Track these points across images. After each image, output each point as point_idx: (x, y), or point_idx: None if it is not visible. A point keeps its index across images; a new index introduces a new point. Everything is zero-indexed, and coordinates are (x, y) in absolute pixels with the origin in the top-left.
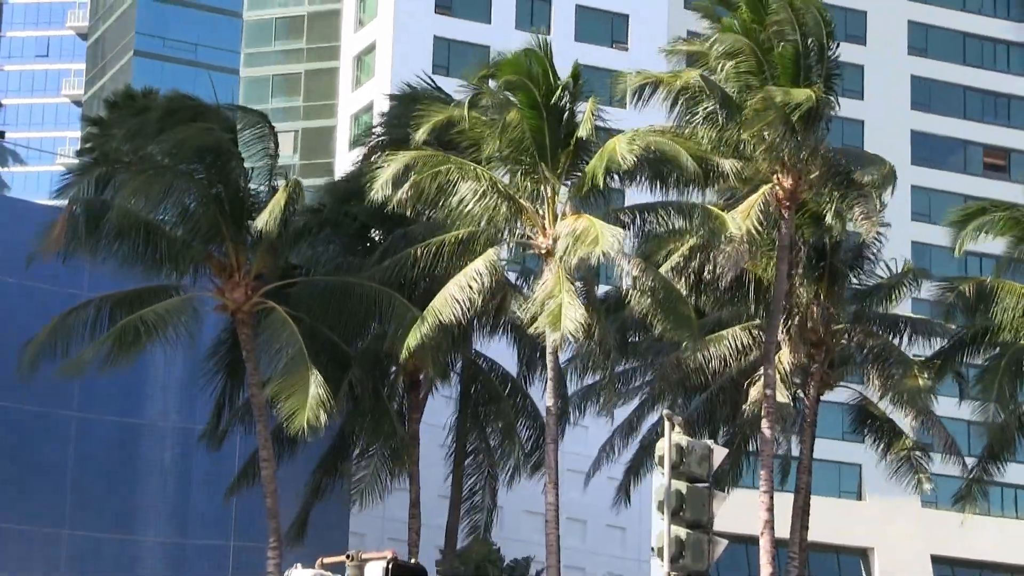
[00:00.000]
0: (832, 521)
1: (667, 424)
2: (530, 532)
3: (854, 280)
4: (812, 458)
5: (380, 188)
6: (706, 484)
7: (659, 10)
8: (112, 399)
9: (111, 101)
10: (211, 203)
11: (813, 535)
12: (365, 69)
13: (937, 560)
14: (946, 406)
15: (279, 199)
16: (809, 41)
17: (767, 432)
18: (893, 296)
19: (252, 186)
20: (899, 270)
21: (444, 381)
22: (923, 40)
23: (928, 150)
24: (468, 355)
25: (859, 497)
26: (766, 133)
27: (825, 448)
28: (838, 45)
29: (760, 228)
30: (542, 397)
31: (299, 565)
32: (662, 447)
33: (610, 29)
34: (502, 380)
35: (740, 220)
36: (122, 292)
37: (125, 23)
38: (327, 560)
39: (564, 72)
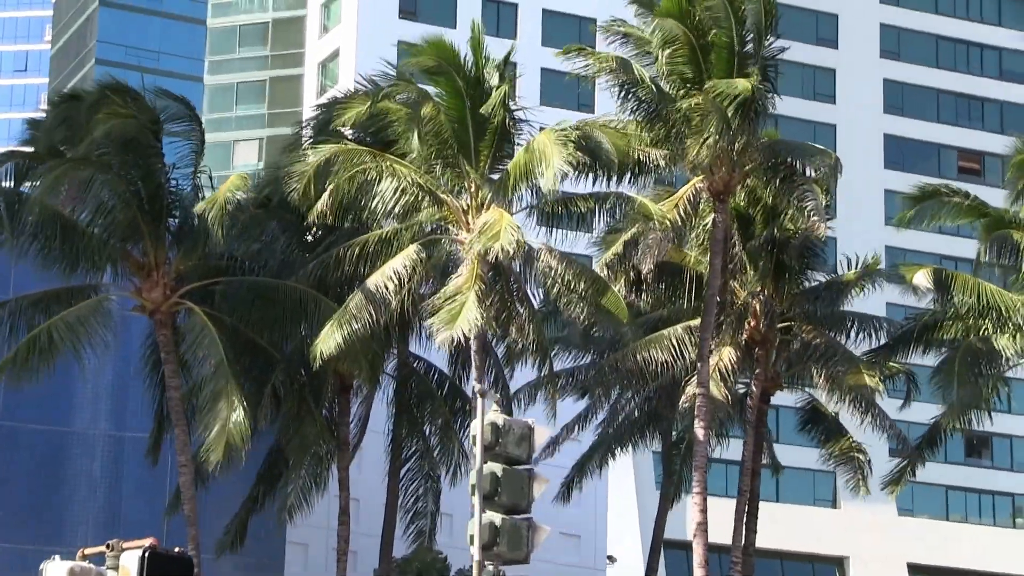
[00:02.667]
0: (807, 529)
1: (480, 401)
2: (459, 536)
3: (808, 277)
4: (760, 462)
5: (301, 181)
6: (526, 466)
7: (625, 15)
8: (38, 406)
9: (53, 99)
10: (130, 199)
11: (788, 543)
12: (330, 75)
13: (914, 568)
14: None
15: (220, 194)
16: (745, 29)
17: (700, 433)
18: (850, 293)
19: (174, 181)
20: (857, 266)
21: (374, 384)
22: (895, 43)
23: (902, 154)
24: (404, 356)
25: (834, 505)
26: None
27: (799, 456)
28: (777, 36)
29: (686, 217)
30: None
31: (56, 557)
32: (476, 427)
33: (577, 33)
34: (439, 381)
35: (666, 209)
36: (38, 292)
37: (87, 32)
38: (88, 551)
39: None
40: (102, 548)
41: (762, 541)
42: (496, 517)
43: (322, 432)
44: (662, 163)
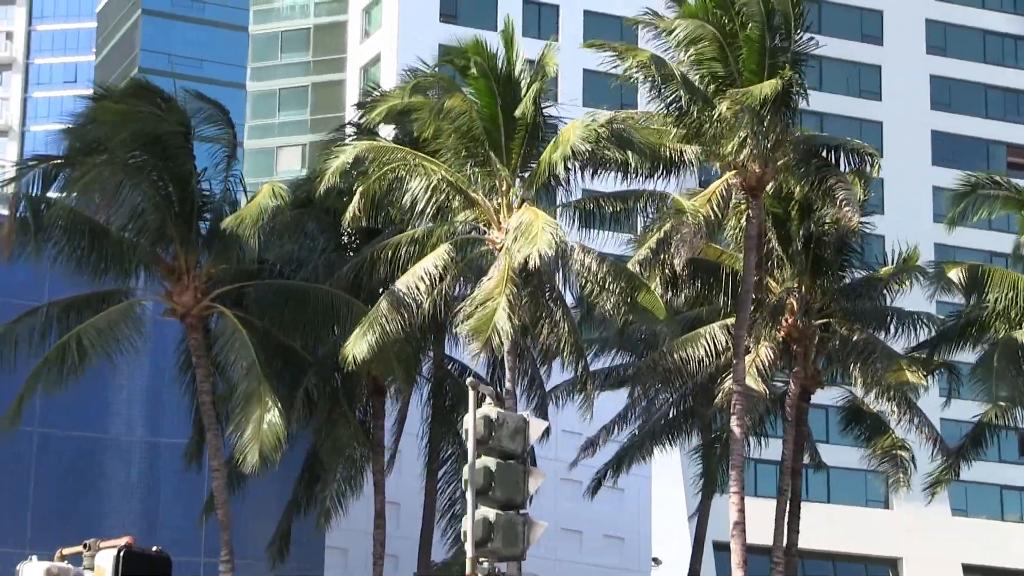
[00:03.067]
0: (859, 531)
1: (472, 394)
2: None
3: (848, 274)
4: (801, 461)
5: (328, 178)
6: (521, 461)
7: (667, 14)
8: (75, 413)
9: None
10: (160, 202)
11: (840, 545)
12: (371, 80)
13: (968, 569)
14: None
15: (250, 209)
16: (775, 22)
17: (736, 430)
18: (889, 289)
19: (206, 184)
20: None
21: (409, 387)
22: (942, 39)
23: (950, 150)
24: (439, 358)
25: (887, 506)
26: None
27: (849, 456)
28: (816, 32)
29: (718, 212)
30: (519, 399)
31: (34, 557)
32: (468, 420)
33: (619, 34)
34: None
35: (699, 204)
36: (69, 298)
37: (131, 41)
38: (66, 551)
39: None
40: (79, 548)
41: (814, 543)
42: (490, 513)
43: (356, 435)
44: (694, 160)
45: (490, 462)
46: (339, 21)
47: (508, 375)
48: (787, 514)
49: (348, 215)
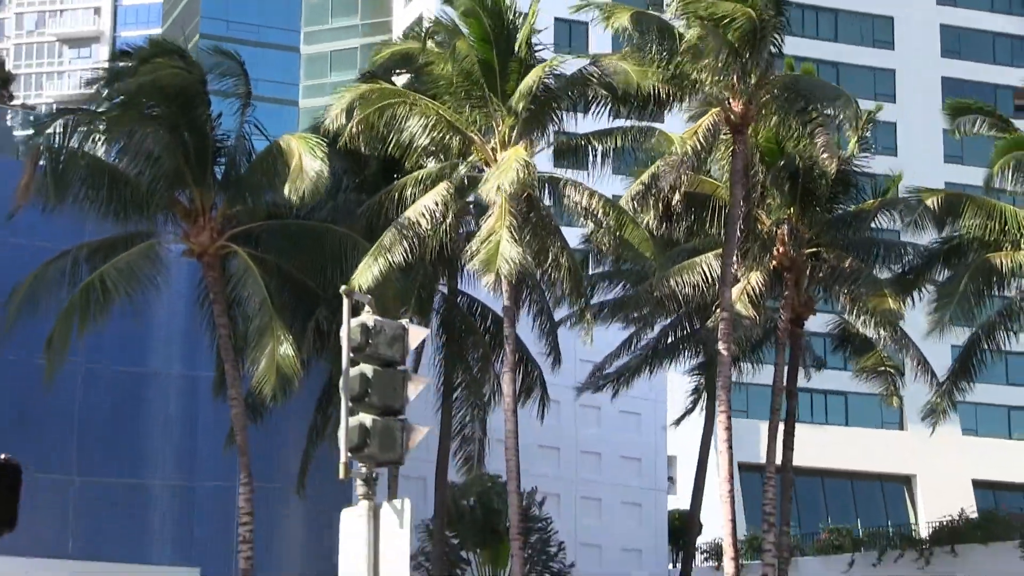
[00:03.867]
0: (876, 450)
1: (346, 302)
2: (525, 462)
3: (842, 206)
4: (796, 383)
5: (333, 119)
6: (401, 367)
7: None
8: (117, 349)
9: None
10: (175, 148)
11: (858, 464)
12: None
13: (978, 484)
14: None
15: (309, 164)
16: None
17: (724, 352)
18: (876, 219)
19: (220, 131)
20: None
21: (428, 318)
22: None
23: (959, 95)
24: (453, 291)
25: (901, 427)
26: (711, 58)
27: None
28: None
29: (704, 145)
30: (531, 330)
31: None
32: (343, 328)
33: None
34: (482, 315)
35: (685, 139)
36: (97, 241)
37: (192, 10)
38: None
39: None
40: None
41: (833, 462)
42: (367, 418)
43: None
44: (677, 97)
45: (367, 369)
46: None
47: (507, 301)
48: (782, 433)
49: (344, 135)
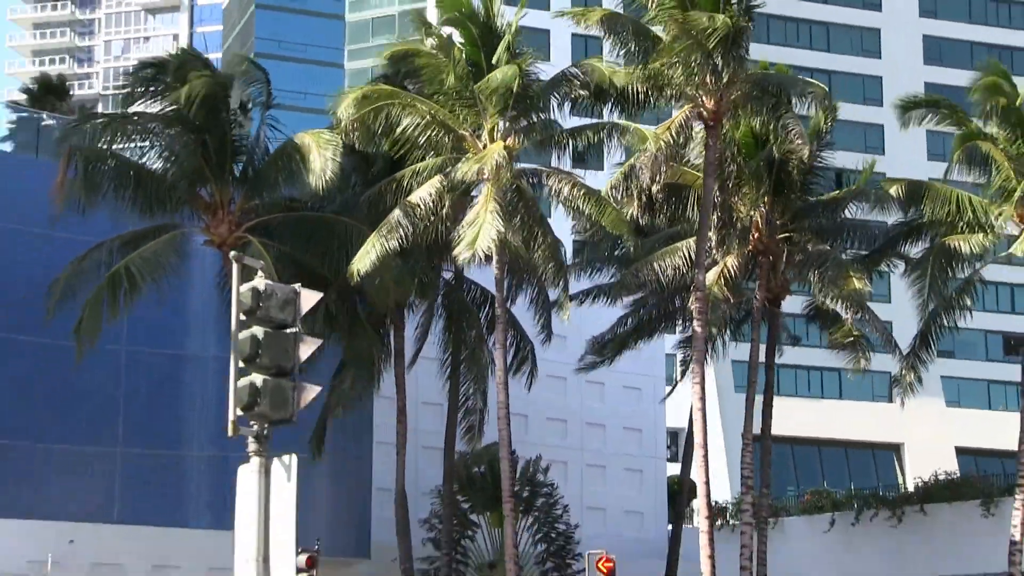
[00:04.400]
0: (867, 421)
1: (235, 267)
2: (536, 433)
3: (813, 193)
4: (774, 359)
5: (343, 111)
6: (292, 329)
7: None
8: (157, 334)
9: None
10: (196, 147)
11: (851, 434)
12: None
13: (960, 451)
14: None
15: (322, 157)
16: None
17: (699, 329)
18: (848, 207)
19: (238, 131)
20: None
21: (432, 300)
22: (932, 6)
23: (938, 51)
24: (460, 275)
25: (890, 400)
26: (683, 59)
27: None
28: None
29: (677, 138)
30: (528, 309)
31: None
32: (233, 292)
33: None
34: (483, 299)
35: (659, 134)
36: (128, 233)
37: (248, 31)
38: None
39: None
40: None
41: (829, 432)
42: (258, 378)
43: (373, 343)
44: (656, 96)
45: (258, 331)
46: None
47: (496, 280)
48: (762, 404)
49: (341, 128)
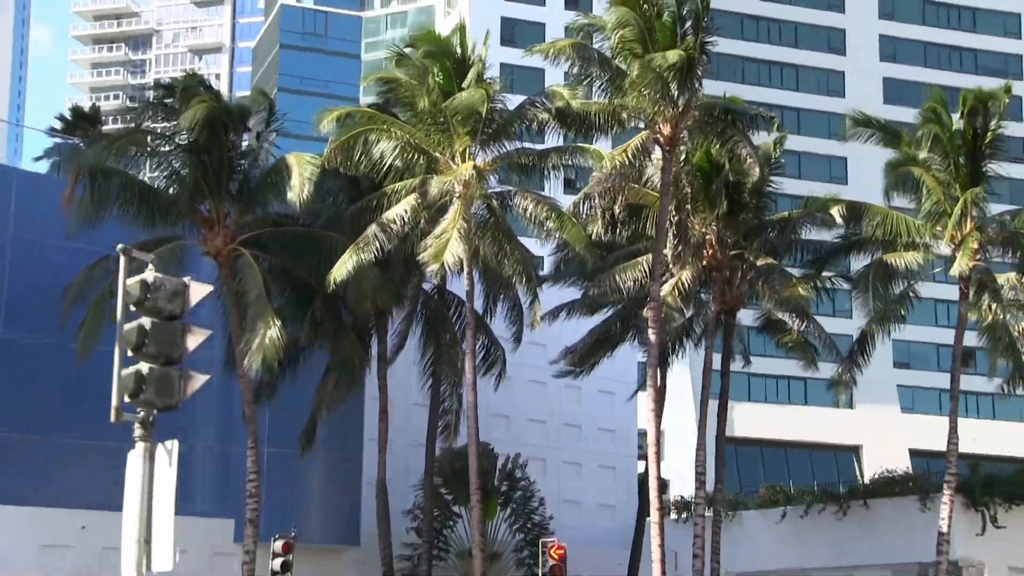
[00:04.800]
0: (830, 425)
1: (123, 259)
2: (518, 433)
3: (766, 213)
4: (729, 366)
5: (325, 123)
6: (180, 320)
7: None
8: None
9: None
10: (195, 166)
11: (815, 437)
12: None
13: (914, 453)
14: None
15: (301, 175)
16: (685, 12)
17: (652, 337)
18: (800, 226)
19: (236, 152)
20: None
21: (412, 310)
22: (892, 49)
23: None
24: (442, 288)
25: (851, 406)
26: (645, 91)
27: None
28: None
29: (633, 160)
30: (504, 319)
31: None
32: (120, 284)
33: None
34: (458, 306)
35: (615, 156)
36: (135, 243)
37: (273, 68)
38: None
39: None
40: None
41: (795, 435)
42: (144, 366)
43: (356, 348)
44: (617, 122)
45: (145, 321)
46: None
47: (466, 290)
48: (718, 407)
49: (324, 158)
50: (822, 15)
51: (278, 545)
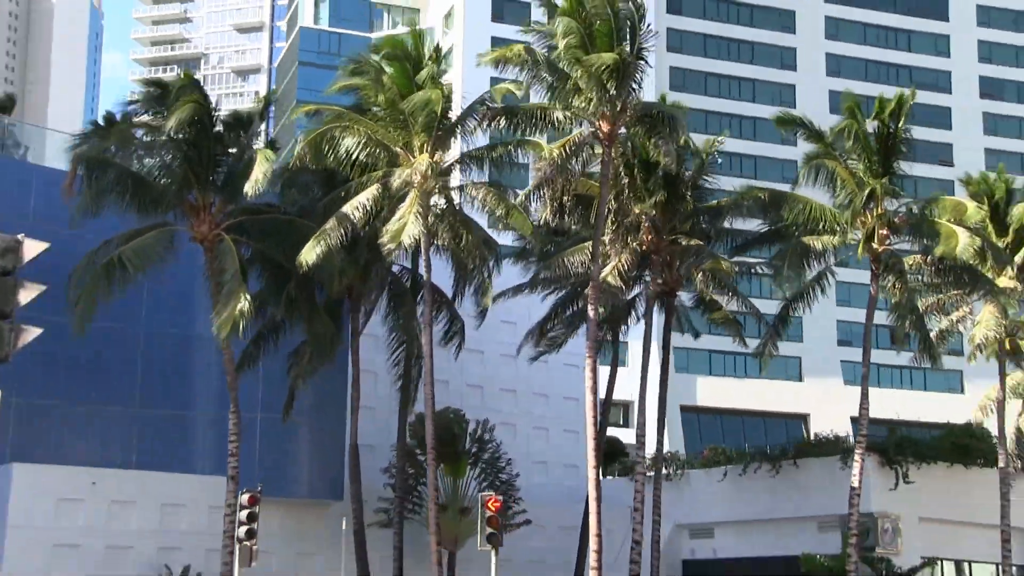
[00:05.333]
0: (781, 396)
1: None
2: (491, 401)
3: (702, 202)
4: (669, 340)
5: (296, 115)
6: (10, 275)
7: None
8: (171, 315)
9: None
10: (183, 160)
11: (767, 406)
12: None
13: (854, 420)
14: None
15: (259, 170)
16: (621, 23)
17: (591, 314)
18: (722, 213)
19: (221, 147)
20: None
21: (381, 290)
22: (837, 66)
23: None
24: (416, 271)
25: (800, 379)
26: (585, 91)
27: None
28: (648, 25)
29: (570, 153)
30: (472, 295)
31: None
32: None
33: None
34: (418, 284)
35: (555, 147)
36: (130, 231)
37: (292, 85)
38: None
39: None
40: None
41: (751, 404)
42: None
43: (327, 325)
44: (563, 119)
45: None
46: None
47: (424, 268)
48: (660, 376)
49: (295, 155)
50: (776, 35)
51: (244, 498)
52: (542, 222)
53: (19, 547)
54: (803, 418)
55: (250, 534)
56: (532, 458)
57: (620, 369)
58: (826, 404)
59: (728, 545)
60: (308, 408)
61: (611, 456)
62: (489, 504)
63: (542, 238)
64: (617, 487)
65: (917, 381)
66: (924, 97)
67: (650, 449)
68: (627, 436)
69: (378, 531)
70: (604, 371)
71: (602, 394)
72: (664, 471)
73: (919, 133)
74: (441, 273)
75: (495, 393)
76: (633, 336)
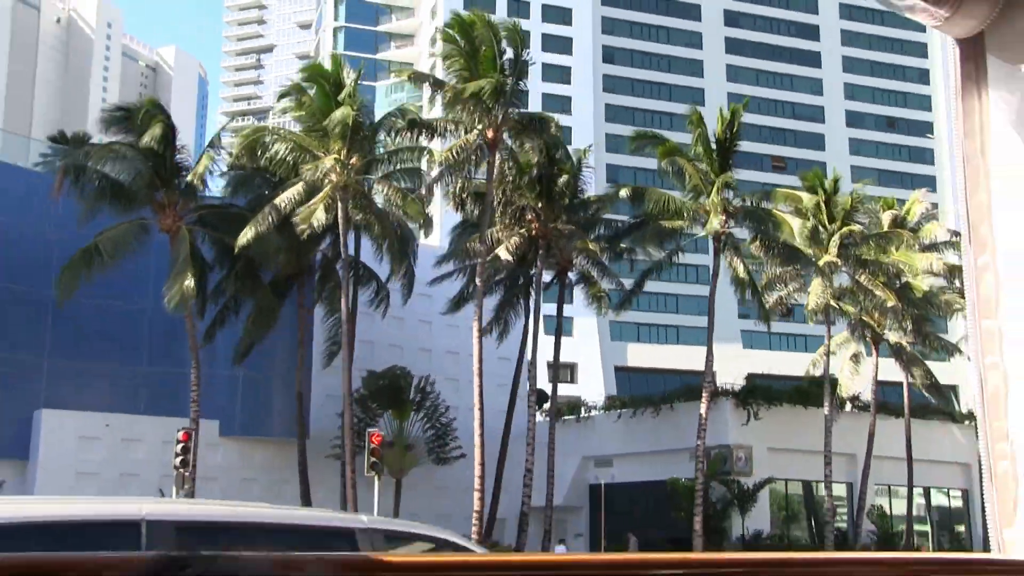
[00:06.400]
0: (690, 359)
1: None
2: (439, 361)
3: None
4: (561, 316)
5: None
6: None
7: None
8: (139, 292)
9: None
10: (152, 165)
11: (683, 366)
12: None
13: (751, 376)
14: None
15: (201, 166)
16: (503, 46)
17: (479, 286)
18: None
19: (183, 156)
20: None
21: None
22: (735, 74)
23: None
24: (354, 255)
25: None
26: (470, 107)
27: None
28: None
29: (458, 157)
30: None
31: None
32: None
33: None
34: (354, 264)
35: (444, 153)
36: (113, 226)
37: None
38: None
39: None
40: None
41: (670, 365)
42: None
43: (269, 297)
44: (454, 129)
45: None
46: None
47: (342, 247)
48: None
49: (233, 155)
50: (688, 79)
51: (179, 435)
52: (457, 213)
53: (49, 474)
54: (712, 375)
55: (184, 463)
56: (470, 405)
57: (564, 338)
58: (727, 363)
59: (624, 472)
60: (281, 365)
61: (539, 403)
62: (372, 439)
63: (430, 226)
64: (541, 428)
65: (786, 343)
66: (803, 126)
67: (595, 397)
68: (571, 390)
69: (334, 462)
70: (549, 340)
71: (550, 358)
72: (579, 415)
73: (796, 153)
74: (369, 256)
75: (441, 355)
76: (578, 312)
